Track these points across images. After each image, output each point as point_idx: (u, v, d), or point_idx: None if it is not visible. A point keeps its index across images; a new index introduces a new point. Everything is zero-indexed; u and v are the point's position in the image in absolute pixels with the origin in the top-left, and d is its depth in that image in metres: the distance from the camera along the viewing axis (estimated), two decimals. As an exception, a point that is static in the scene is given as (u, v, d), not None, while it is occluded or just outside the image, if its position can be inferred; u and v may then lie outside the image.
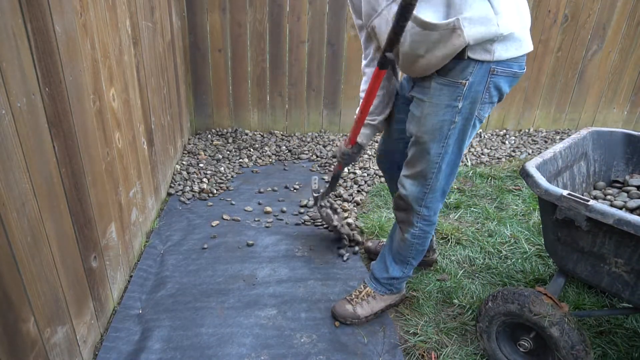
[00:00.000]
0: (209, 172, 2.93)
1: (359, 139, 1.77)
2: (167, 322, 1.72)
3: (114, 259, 1.75)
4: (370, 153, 3.31)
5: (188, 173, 2.90)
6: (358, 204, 2.63)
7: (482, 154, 3.40)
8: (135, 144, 2.01)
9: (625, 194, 1.62)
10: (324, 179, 2.91)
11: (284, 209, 2.56)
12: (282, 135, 3.63)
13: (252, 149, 3.35)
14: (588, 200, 1.20)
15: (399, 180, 1.56)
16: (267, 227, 2.39)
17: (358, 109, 1.61)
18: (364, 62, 1.67)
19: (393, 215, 1.83)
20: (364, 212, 2.53)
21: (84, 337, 1.48)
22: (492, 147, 3.52)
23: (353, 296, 1.76)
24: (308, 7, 3.25)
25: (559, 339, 1.30)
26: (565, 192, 1.25)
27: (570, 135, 2.68)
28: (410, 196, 1.53)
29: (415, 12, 1.19)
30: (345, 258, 2.11)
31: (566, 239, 1.36)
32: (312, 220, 2.43)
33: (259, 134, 3.60)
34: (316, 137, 3.58)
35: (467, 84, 1.31)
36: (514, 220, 2.42)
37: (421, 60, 1.33)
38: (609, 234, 1.23)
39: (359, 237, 2.21)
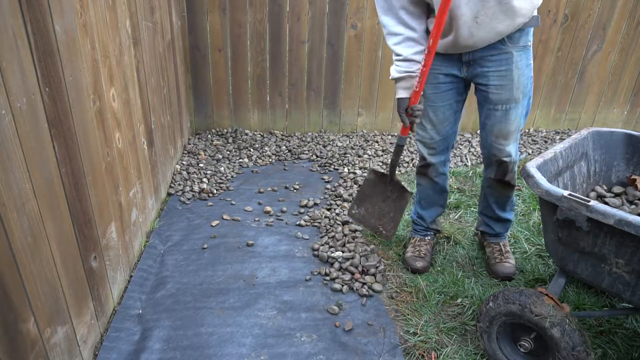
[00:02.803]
0: (209, 172, 2.93)
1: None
2: (167, 322, 1.72)
3: (114, 259, 1.75)
4: (370, 153, 3.31)
5: (188, 173, 2.90)
6: (358, 204, 2.63)
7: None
8: (135, 144, 2.00)
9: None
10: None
11: (284, 209, 2.56)
12: (282, 135, 3.63)
13: (252, 149, 3.35)
14: (589, 201, 1.20)
15: (501, 152, 1.78)
16: (267, 227, 2.39)
17: (422, 59, 1.64)
18: (394, 40, 1.72)
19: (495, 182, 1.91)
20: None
21: (84, 337, 1.48)
22: (492, 147, 3.51)
23: (503, 256, 1.99)
24: (308, 7, 3.25)
25: (560, 339, 1.30)
26: (566, 193, 1.25)
27: (570, 136, 2.68)
28: (515, 158, 1.81)
29: None
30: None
31: (567, 239, 1.36)
32: (312, 220, 2.43)
33: (259, 134, 3.60)
34: (316, 137, 3.58)
35: (531, 45, 1.70)
36: (514, 220, 2.42)
37: (499, 27, 1.57)
38: (609, 234, 1.22)
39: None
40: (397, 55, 1.72)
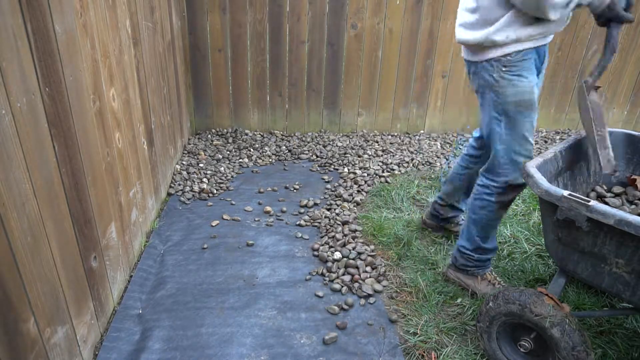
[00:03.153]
0: (209, 172, 2.93)
1: None
2: (167, 322, 1.72)
3: (114, 259, 1.75)
4: (370, 153, 3.31)
5: (188, 173, 2.90)
6: (358, 204, 2.63)
7: (482, 154, 3.40)
8: (135, 144, 2.00)
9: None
10: None
11: (284, 209, 2.56)
12: (282, 135, 3.62)
13: (252, 149, 3.35)
14: (589, 201, 1.20)
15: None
16: (267, 227, 2.39)
17: None
18: None
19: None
20: (364, 212, 2.53)
21: (84, 337, 1.48)
22: (492, 147, 3.51)
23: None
24: (308, 7, 3.25)
25: (560, 339, 1.30)
26: (566, 193, 1.25)
27: (570, 135, 2.68)
28: None
29: None
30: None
31: (567, 239, 1.36)
32: (312, 220, 2.43)
33: (259, 134, 3.60)
34: (316, 137, 3.58)
35: None
36: (514, 220, 2.42)
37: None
38: (609, 234, 1.22)
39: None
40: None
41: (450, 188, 2.14)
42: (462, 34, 1.64)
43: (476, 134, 2.04)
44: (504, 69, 1.56)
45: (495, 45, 1.55)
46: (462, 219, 2.16)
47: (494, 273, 1.90)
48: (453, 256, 1.92)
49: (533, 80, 1.58)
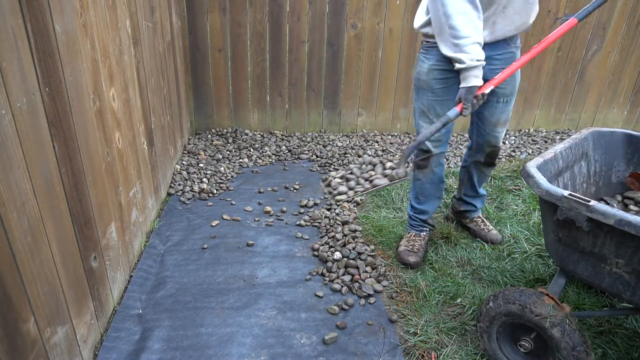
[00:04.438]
0: (209, 172, 2.93)
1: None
2: (167, 322, 1.72)
3: (114, 259, 1.75)
4: (370, 153, 3.31)
5: (188, 173, 2.90)
6: (358, 204, 2.63)
7: (482, 154, 3.40)
8: (135, 144, 2.00)
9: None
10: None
11: (284, 209, 2.56)
12: (282, 135, 3.62)
13: (252, 149, 3.34)
14: (589, 201, 1.20)
15: (497, 140, 2.00)
16: (267, 227, 2.39)
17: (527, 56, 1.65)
18: (465, 19, 1.63)
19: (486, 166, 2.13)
20: (364, 212, 2.53)
21: (84, 337, 1.48)
22: (492, 147, 3.51)
23: (487, 227, 2.27)
24: (308, 7, 3.25)
25: (560, 340, 1.30)
26: (566, 193, 1.25)
27: (570, 136, 2.68)
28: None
29: None
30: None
31: (567, 239, 1.36)
32: (312, 220, 2.43)
33: (259, 134, 3.60)
34: (316, 137, 3.58)
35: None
36: (514, 220, 2.42)
37: (517, 23, 1.73)
38: (609, 234, 1.22)
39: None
40: (465, 37, 1.62)
41: (459, 182, 2.33)
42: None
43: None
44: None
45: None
46: (477, 216, 2.32)
47: (416, 237, 2.16)
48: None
49: (436, 86, 1.86)
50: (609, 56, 3.65)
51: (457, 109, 1.67)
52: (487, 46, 1.72)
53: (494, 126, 1.95)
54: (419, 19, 1.86)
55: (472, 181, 2.21)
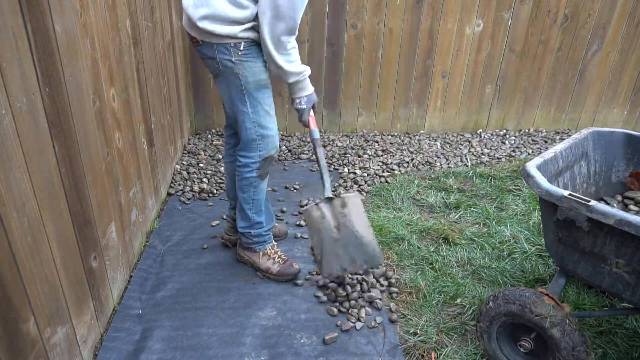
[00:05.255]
0: (209, 172, 2.93)
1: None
2: (167, 322, 1.72)
3: (114, 259, 1.75)
4: (370, 153, 3.31)
5: (188, 173, 2.90)
6: (358, 204, 2.63)
7: (482, 154, 3.40)
8: (135, 144, 2.00)
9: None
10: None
11: (284, 209, 2.56)
12: (282, 135, 3.62)
13: (252, 149, 3.34)
14: (589, 201, 1.20)
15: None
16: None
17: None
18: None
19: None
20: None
21: (84, 337, 1.48)
22: (492, 147, 3.52)
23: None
24: (308, 7, 3.25)
25: (560, 340, 1.30)
26: (566, 193, 1.25)
27: (570, 136, 2.68)
28: None
29: None
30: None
31: (567, 239, 1.36)
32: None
33: (259, 134, 3.59)
34: (316, 137, 3.58)
35: None
36: (514, 220, 2.42)
37: None
38: (609, 234, 1.22)
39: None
40: (296, 58, 1.69)
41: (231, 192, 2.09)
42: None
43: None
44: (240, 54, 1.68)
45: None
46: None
47: (275, 248, 2.02)
48: (239, 238, 2.05)
49: (268, 79, 1.79)
50: (609, 56, 3.65)
51: (311, 120, 1.79)
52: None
53: (304, 116, 1.86)
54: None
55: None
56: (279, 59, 1.63)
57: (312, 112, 1.85)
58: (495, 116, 3.83)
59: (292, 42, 1.63)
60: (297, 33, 1.61)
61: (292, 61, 1.66)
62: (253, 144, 1.80)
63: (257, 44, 1.67)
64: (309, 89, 1.79)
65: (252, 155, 1.82)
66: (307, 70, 1.74)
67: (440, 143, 3.59)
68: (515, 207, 2.56)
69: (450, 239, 2.25)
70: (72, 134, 1.36)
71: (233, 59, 1.65)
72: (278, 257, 1.98)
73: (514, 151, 3.47)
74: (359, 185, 2.84)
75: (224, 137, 2.08)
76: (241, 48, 1.64)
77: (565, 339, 1.30)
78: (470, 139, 3.68)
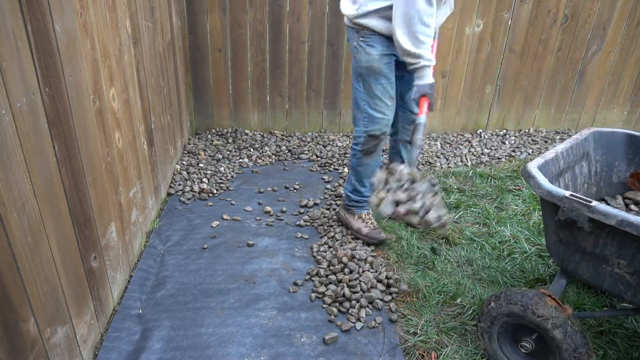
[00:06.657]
0: (209, 172, 2.93)
1: None
2: (167, 322, 1.71)
3: (114, 259, 1.75)
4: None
5: (188, 173, 2.90)
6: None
7: (482, 154, 3.40)
8: (135, 144, 2.00)
9: None
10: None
11: (284, 209, 2.56)
12: (282, 135, 3.62)
13: (252, 149, 3.34)
14: (590, 201, 1.20)
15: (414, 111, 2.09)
16: (267, 227, 2.38)
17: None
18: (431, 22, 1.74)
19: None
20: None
21: (84, 337, 1.47)
22: (492, 147, 3.51)
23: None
24: (308, 7, 3.25)
25: (562, 341, 1.30)
26: (567, 193, 1.25)
27: (571, 136, 2.68)
28: None
29: None
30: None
31: (568, 239, 1.35)
32: (311, 220, 2.43)
33: (259, 134, 3.59)
34: (316, 137, 3.58)
35: None
36: (514, 220, 2.41)
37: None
38: (611, 235, 1.22)
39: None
40: (429, 36, 1.75)
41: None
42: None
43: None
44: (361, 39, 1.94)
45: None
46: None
47: (370, 215, 2.26)
48: (342, 199, 2.34)
49: (386, 70, 1.93)
50: (609, 56, 3.65)
51: (424, 108, 1.81)
52: None
53: (411, 99, 1.94)
54: (350, 8, 1.93)
55: (402, 159, 2.32)
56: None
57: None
58: (495, 116, 3.82)
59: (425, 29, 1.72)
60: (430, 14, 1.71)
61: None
62: (360, 121, 2.05)
63: (378, 34, 1.86)
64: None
65: (358, 130, 2.08)
66: (432, 57, 1.80)
67: (440, 143, 3.59)
68: (515, 207, 2.56)
69: (450, 238, 2.24)
70: (72, 134, 1.36)
71: (354, 43, 1.97)
72: (370, 223, 2.22)
73: (514, 151, 3.47)
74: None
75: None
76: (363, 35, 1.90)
77: (567, 341, 1.30)
78: (470, 139, 3.67)
